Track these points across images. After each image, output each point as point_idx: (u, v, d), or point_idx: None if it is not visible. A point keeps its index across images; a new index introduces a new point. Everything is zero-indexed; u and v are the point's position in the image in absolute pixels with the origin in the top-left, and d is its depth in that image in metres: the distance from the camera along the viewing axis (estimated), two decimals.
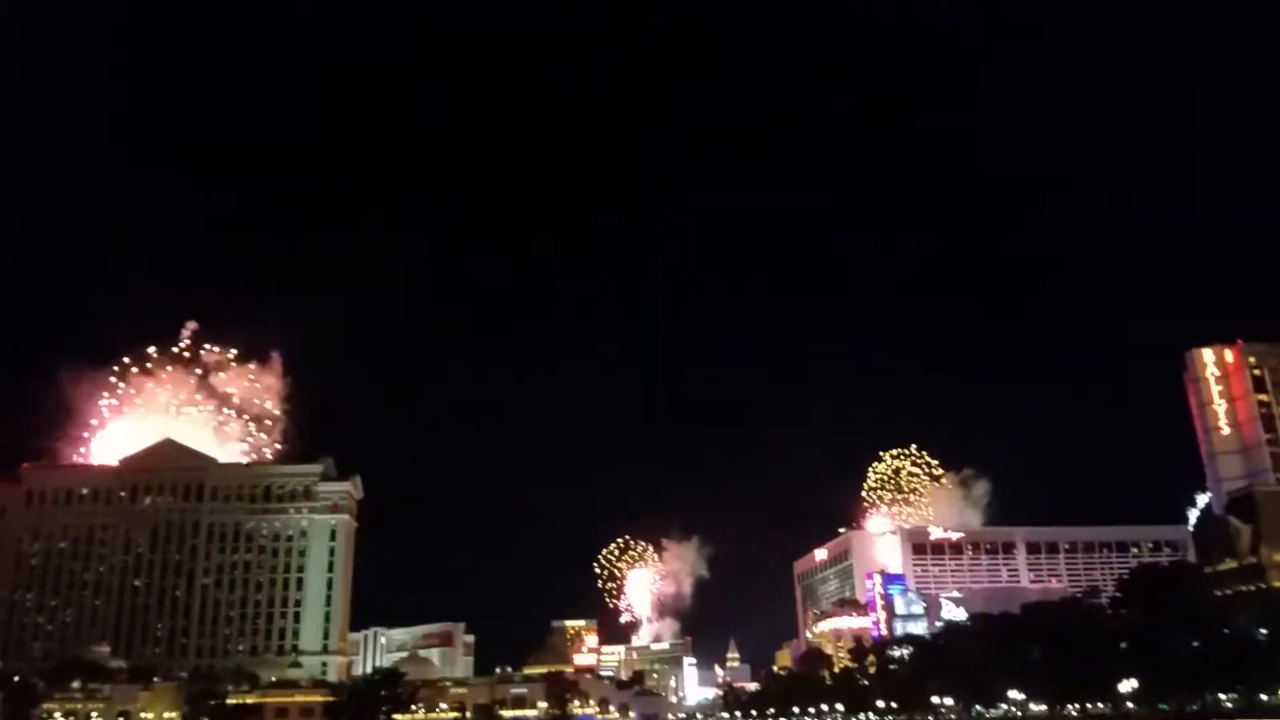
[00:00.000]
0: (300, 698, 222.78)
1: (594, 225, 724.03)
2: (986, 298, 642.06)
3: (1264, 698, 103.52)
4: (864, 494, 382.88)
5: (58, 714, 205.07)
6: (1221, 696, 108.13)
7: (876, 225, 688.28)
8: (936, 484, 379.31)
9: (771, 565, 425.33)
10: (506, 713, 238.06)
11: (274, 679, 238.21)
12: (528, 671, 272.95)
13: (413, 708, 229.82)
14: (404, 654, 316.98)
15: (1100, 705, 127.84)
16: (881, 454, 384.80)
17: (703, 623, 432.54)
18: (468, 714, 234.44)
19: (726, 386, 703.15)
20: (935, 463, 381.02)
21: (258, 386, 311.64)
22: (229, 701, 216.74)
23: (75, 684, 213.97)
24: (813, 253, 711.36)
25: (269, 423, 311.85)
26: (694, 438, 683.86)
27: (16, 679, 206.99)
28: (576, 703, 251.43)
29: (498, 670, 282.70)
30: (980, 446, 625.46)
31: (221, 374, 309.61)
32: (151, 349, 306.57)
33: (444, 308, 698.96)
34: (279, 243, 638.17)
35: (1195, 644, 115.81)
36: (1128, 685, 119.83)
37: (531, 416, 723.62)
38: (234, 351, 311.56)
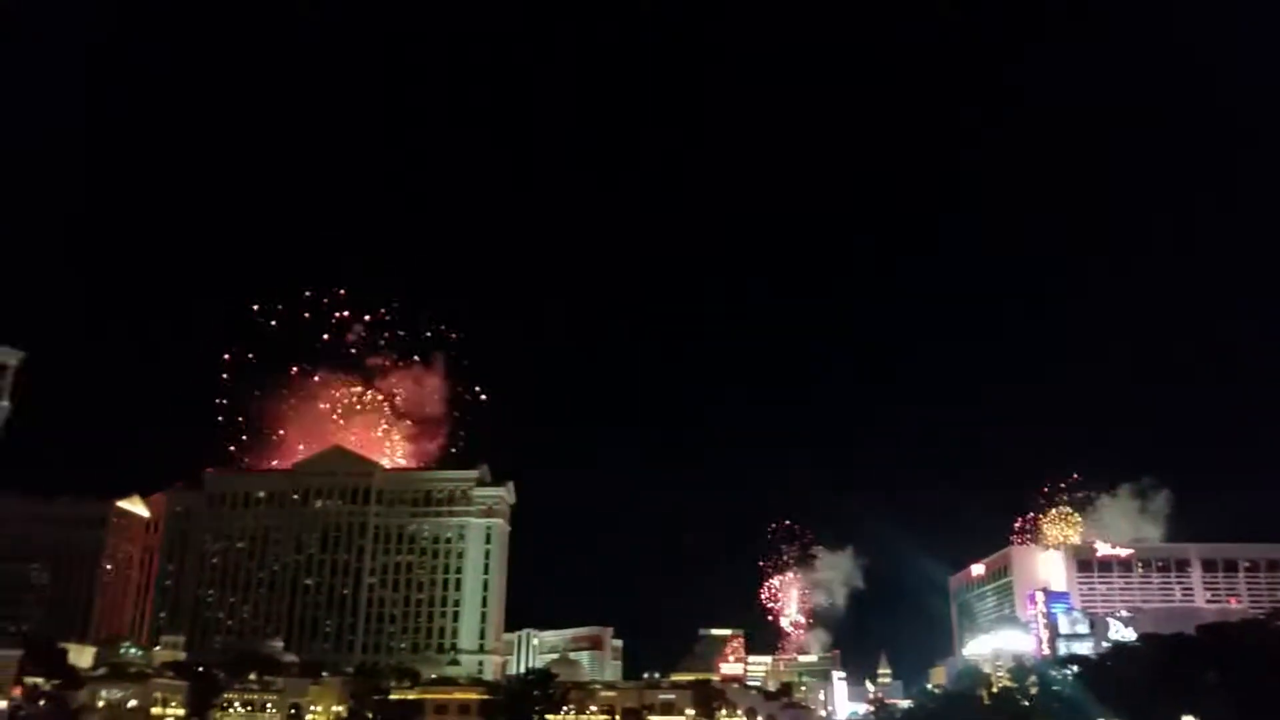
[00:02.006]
0: (458, 695, 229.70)
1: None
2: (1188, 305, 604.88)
3: None
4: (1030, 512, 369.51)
5: (236, 704, 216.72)
6: None
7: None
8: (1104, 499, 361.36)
9: (927, 580, 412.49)
10: (654, 718, 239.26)
11: (433, 676, 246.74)
12: (675, 678, 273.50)
13: (564, 709, 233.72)
14: (555, 656, 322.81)
15: None
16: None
17: (853, 636, 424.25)
18: (616, 717, 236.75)
19: (881, 397, 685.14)
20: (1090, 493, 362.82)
21: (421, 389, 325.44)
22: (391, 697, 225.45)
23: (251, 676, 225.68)
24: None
25: (431, 426, 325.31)
26: (847, 448, 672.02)
27: (201, 669, 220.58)
28: (724, 711, 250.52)
29: (645, 676, 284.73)
30: (1164, 454, 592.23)
31: (388, 377, 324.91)
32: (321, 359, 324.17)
33: (605, 312, 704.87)
34: (447, 241, 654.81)
35: None
36: None
37: (687, 425, 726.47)
38: (397, 355, 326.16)
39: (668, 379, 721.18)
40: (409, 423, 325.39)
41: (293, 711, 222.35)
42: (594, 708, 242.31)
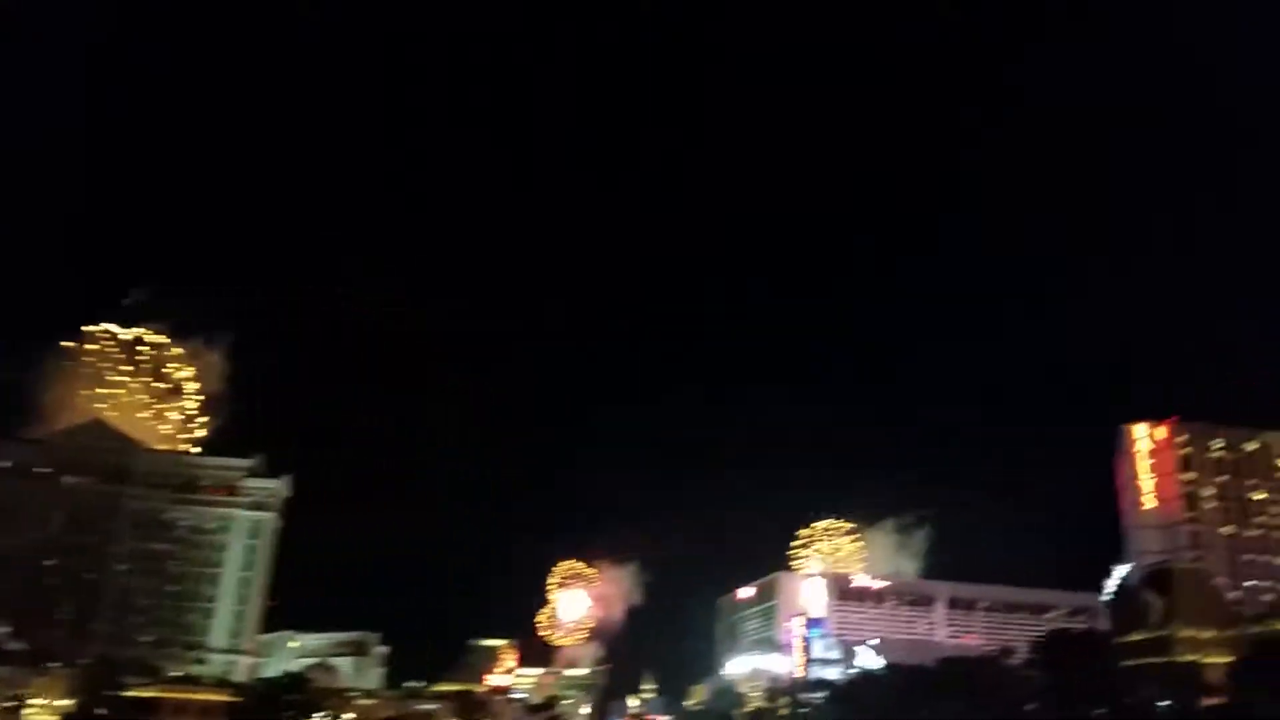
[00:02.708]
0: (201, 695, 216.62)
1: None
2: (941, 357, 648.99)
3: None
4: (797, 539, 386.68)
5: None
6: None
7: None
8: (862, 537, 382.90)
9: (697, 601, 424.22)
10: None
11: (177, 674, 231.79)
12: (438, 688, 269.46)
13: (316, 715, 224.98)
14: (314, 660, 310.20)
15: None
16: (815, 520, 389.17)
17: (625, 652, 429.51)
18: None
19: (677, 417, 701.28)
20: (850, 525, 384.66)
21: (201, 366, 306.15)
22: (126, 694, 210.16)
23: None
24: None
25: (209, 407, 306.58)
26: (634, 465, 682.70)
27: None
28: None
29: (408, 684, 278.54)
30: (931, 492, 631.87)
31: (163, 350, 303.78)
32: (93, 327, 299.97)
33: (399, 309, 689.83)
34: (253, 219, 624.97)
35: (1101, 710, 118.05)
36: None
37: (469, 432, 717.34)
38: (177, 327, 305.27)
39: (459, 389, 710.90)
40: (184, 401, 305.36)
41: (13, 703, 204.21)
42: (350, 716, 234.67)
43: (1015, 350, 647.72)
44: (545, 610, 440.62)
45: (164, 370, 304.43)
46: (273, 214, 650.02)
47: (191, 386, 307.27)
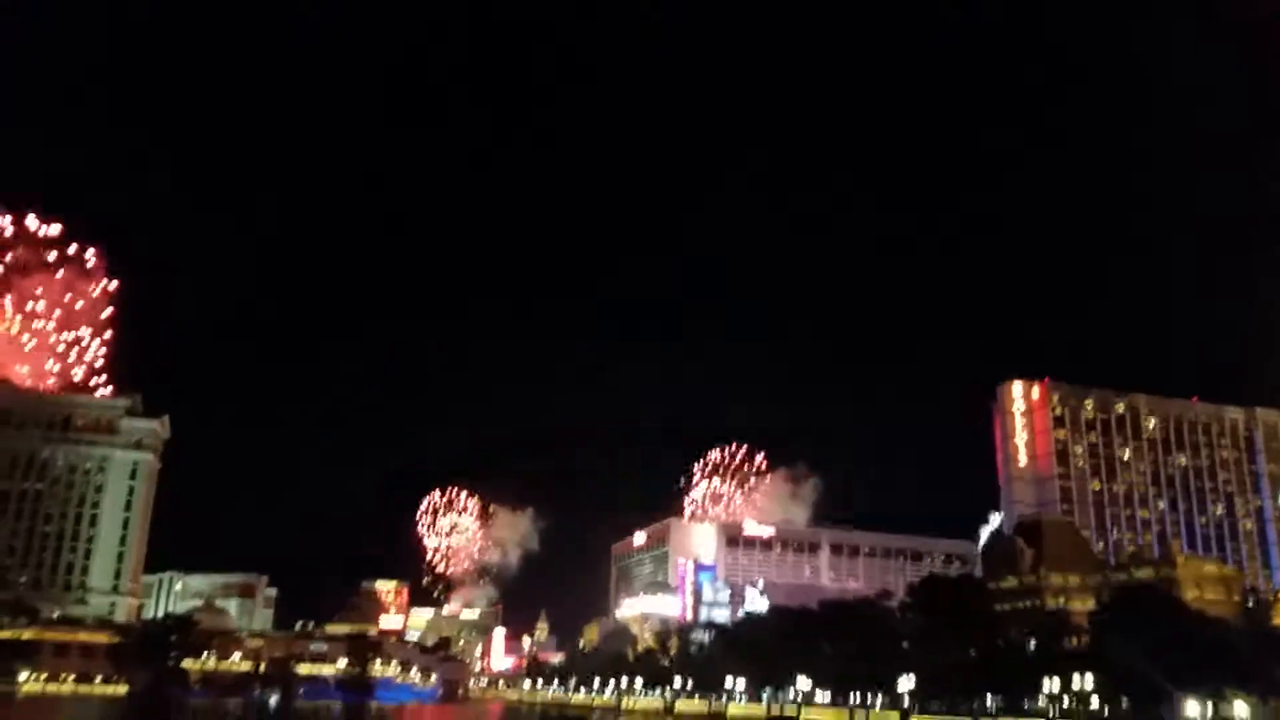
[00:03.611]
0: (83, 636, 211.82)
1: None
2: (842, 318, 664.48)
3: (1026, 704, 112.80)
4: (690, 484, 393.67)
5: None
6: (989, 700, 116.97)
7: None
8: (759, 480, 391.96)
9: (593, 545, 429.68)
10: (304, 668, 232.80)
11: (56, 615, 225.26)
12: (330, 630, 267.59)
13: (204, 656, 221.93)
14: (200, 602, 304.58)
15: (880, 699, 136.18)
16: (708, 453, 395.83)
17: (519, 594, 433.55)
18: (262, 666, 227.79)
19: (575, 361, 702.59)
20: (756, 462, 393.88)
21: (75, 297, 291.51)
22: (2, 636, 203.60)
23: None
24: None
25: (83, 342, 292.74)
26: (536, 407, 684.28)
27: None
28: (379, 663, 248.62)
29: (299, 626, 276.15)
30: (819, 447, 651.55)
31: (31, 276, 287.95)
32: None
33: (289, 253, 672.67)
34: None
35: (971, 651, 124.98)
36: (907, 683, 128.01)
37: (359, 375, 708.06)
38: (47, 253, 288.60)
39: (354, 329, 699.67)
40: (56, 335, 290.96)
41: None
42: (238, 655, 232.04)
43: (907, 309, 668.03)
44: (437, 552, 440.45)
45: (36, 295, 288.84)
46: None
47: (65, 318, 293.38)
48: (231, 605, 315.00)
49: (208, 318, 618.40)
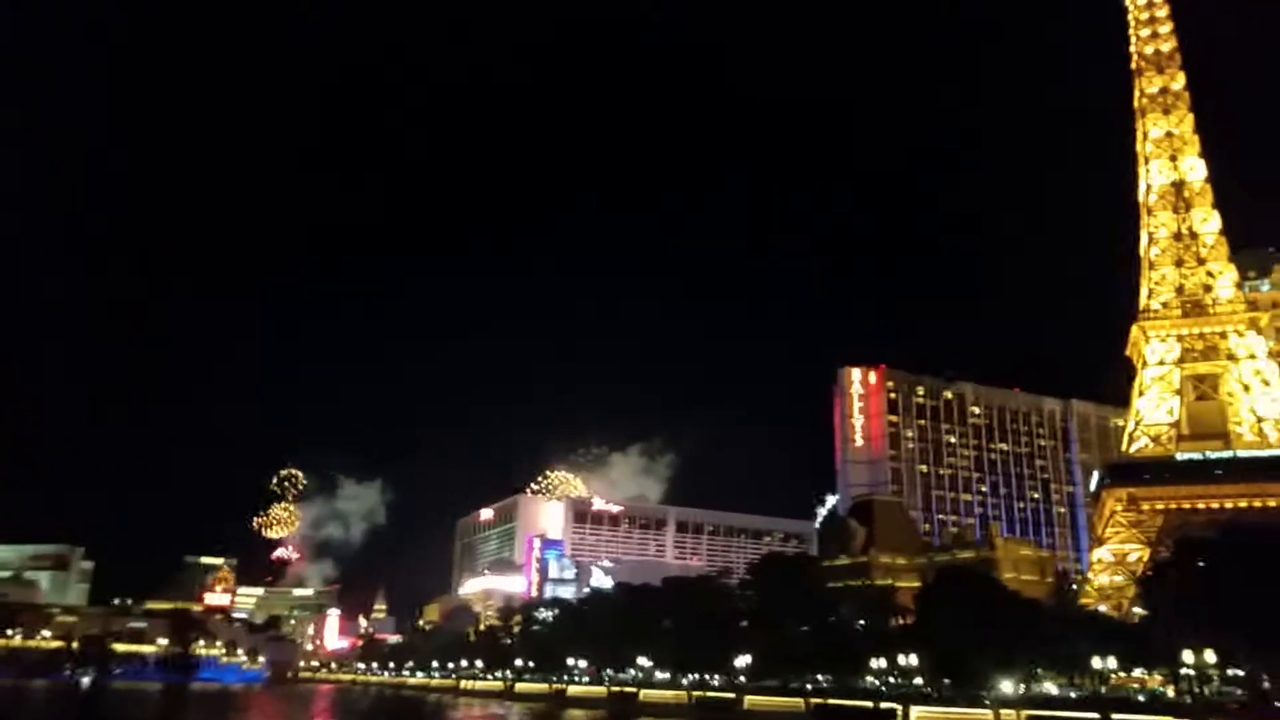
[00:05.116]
0: None
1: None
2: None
3: (856, 681, 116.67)
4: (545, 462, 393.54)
5: None
6: (820, 677, 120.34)
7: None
8: (615, 457, 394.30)
9: (439, 521, 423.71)
10: (121, 646, 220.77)
11: None
12: (150, 606, 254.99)
13: (8, 632, 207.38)
14: (8, 574, 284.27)
15: (717, 677, 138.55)
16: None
17: (360, 572, 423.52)
18: (74, 643, 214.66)
19: (428, 333, 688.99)
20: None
21: None
22: None
23: None
24: None
25: None
26: (386, 380, 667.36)
27: None
28: (202, 642, 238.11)
29: (117, 602, 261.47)
30: (671, 426, 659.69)
31: None
32: None
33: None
34: None
35: (805, 628, 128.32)
36: (743, 661, 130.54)
37: (195, 345, 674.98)
38: None
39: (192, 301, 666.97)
40: None
41: None
42: (48, 632, 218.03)
43: (760, 298, 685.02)
44: (264, 527, 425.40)
45: None
46: None
47: None
48: (42, 578, 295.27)
49: (30, 287, 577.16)
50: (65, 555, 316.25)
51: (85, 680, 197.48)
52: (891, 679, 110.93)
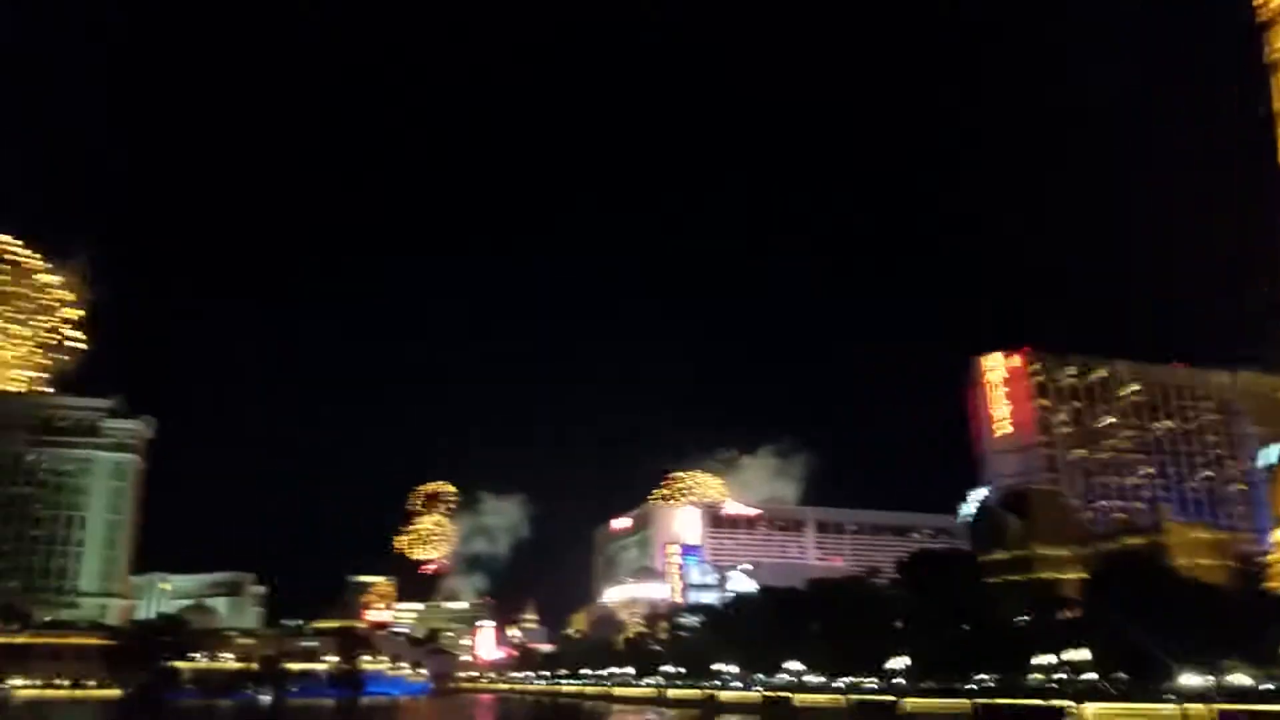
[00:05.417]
0: (75, 639, 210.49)
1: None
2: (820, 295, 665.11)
3: (1021, 679, 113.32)
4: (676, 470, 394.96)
5: None
6: (983, 677, 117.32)
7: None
8: (746, 460, 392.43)
9: (577, 531, 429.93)
10: (294, 665, 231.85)
11: (48, 619, 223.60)
12: (319, 625, 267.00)
13: (194, 656, 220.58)
14: (190, 602, 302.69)
15: (872, 680, 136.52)
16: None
17: (507, 584, 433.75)
18: (252, 664, 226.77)
19: (558, 348, 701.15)
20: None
21: (55, 293, 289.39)
22: None
23: None
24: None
25: (64, 339, 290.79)
26: (511, 398, 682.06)
27: None
28: (367, 657, 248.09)
29: (287, 623, 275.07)
30: (804, 425, 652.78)
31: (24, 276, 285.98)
32: None
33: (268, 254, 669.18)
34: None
35: (964, 627, 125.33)
36: (899, 662, 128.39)
37: (345, 367, 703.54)
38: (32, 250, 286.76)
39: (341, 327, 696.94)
40: (39, 331, 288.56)
41: None
42: (229, 655, 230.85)
43: (880, 284, 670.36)
44: (422, 542, 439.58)
45: (20, 291, 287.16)
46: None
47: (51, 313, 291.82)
48: (220, 604, 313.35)
49: (191, 321, 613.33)
50: (239, 582, 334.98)
51: (265, 698, 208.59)
52: (1061, 675, 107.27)
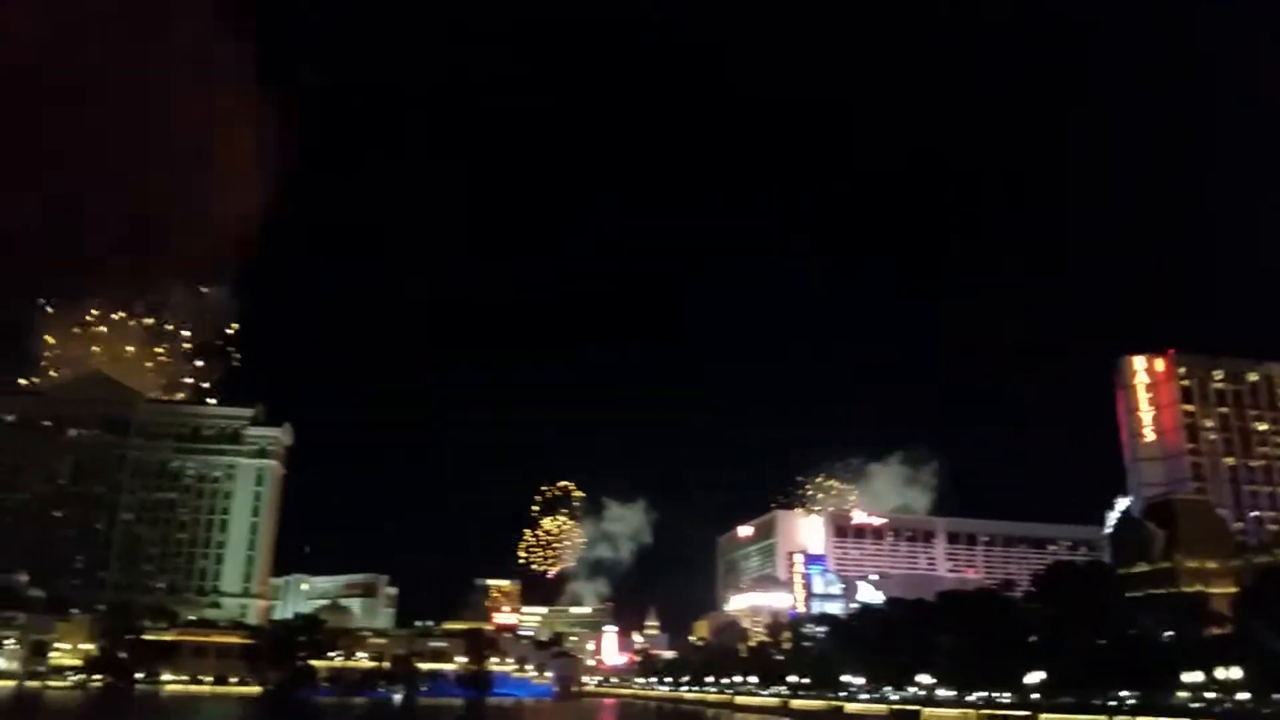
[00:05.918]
0: (218, 638, 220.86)
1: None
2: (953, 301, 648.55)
3: (1165, 698, 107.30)
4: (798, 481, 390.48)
5: None
6: (1124, 694, 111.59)
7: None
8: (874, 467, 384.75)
9: (700, 539, 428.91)
10: (424, 665, 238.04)
11: (192, 618, 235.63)
12: (448, 626, 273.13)
13: (330, 655, 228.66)
14: (325, 602, 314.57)
15: (1006, 695, 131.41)
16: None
17: (629, 589, 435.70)
18: (385, 663, 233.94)
19: (684, 355, 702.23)
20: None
21: (203, 311, 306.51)
22: (146, 638, 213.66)
23: None
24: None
25: (210, 353, 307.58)
26: (645, 402, 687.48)
27: None
28: (495, 659, 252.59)
29: (418, 624, 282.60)
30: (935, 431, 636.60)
31: (166, 295, 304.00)
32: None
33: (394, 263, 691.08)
34: None
35: (1102, 641, 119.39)
36: (1034, 677, 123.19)
37: (474, 374, 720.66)
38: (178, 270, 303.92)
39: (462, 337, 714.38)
40: (185, 347, 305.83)
41: (35, 648, 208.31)
42: (362, 654, 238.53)
43: (1017, 287, 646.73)
44: (547, 548, 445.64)
45: (168, 315, 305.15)
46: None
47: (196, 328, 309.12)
48: (355, 605, 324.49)
49: (328, 331, 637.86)
50: (373, 583, 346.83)
51: (397, 697, 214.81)
52: (1209, 695, 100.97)
